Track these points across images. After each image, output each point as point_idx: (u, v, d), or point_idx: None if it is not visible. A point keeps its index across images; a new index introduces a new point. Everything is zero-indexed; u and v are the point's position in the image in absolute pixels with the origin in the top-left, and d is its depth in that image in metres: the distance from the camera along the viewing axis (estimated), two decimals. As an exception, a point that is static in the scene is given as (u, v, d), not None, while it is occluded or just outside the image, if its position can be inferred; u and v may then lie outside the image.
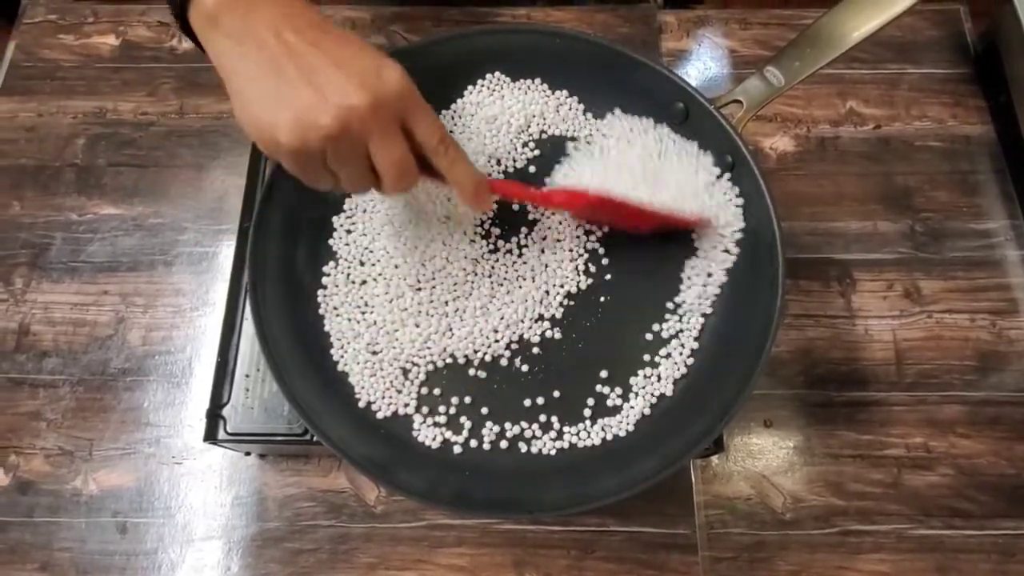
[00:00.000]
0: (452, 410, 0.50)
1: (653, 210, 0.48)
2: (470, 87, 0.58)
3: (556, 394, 0.50)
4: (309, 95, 0.37)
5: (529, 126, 0.57)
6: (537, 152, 0.57)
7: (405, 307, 0.52)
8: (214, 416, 0.51)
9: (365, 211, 0.55)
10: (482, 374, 0.51)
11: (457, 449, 0.49)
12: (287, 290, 0.51)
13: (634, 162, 0.50)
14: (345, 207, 0.55)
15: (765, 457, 0.58)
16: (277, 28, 0.38)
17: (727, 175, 0.52)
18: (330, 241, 0.54)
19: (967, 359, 0.61)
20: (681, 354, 0.51)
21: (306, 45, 0.38)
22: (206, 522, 0.56)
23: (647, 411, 0.50)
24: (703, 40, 0.75)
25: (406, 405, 0.50)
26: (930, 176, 0.68)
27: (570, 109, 0.58)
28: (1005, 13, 0.69)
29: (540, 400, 0.50)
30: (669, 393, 0.51)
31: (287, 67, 0.38)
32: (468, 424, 0.50)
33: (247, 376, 0.52)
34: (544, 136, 0.58)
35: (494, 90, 0.58)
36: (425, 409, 0.50)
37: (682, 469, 0.57)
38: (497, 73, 0.58)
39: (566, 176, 0.50)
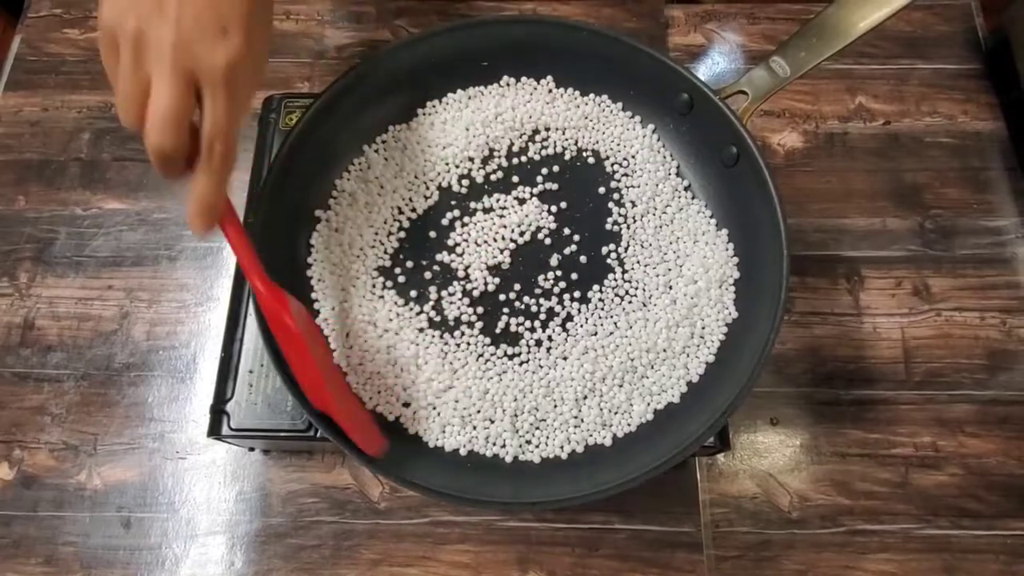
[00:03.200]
0: (454, 405, 0.50)
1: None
2: (471, 80, 0.57)
3: (559, 395, 0.50)
4: (151, 2, 0.35)
5: (524, 124, 0.57)
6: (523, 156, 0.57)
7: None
8: (218, 412, 0.51)
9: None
10: (483, 371, 0.51)
11: (458, 443, 0.49)
12: (290, 285, 0.51)
13: None
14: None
15: (771, 455, 0.58)
16: None
17: None
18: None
19: (976, 358, 0.60)
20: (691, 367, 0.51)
21: None
22: (210, 517, 0.56)
23: (650, 416, 0.50)
24: (710, 35, 0.74)
25: (406, 405, 0.50)
26: (940, 173, 0.67)
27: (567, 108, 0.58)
28: (1017, 8, 0.68)
29: (541, 399, 0.50)
30: (677, 401, 0.50)
31: None
32: (469, 419, 0.49)
33: (251, 372, 0.52)
34: (538, 136, 0.57)
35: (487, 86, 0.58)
36: (426, 403, 0.50)
37: (687, 467, 0.57)
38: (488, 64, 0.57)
39: None
